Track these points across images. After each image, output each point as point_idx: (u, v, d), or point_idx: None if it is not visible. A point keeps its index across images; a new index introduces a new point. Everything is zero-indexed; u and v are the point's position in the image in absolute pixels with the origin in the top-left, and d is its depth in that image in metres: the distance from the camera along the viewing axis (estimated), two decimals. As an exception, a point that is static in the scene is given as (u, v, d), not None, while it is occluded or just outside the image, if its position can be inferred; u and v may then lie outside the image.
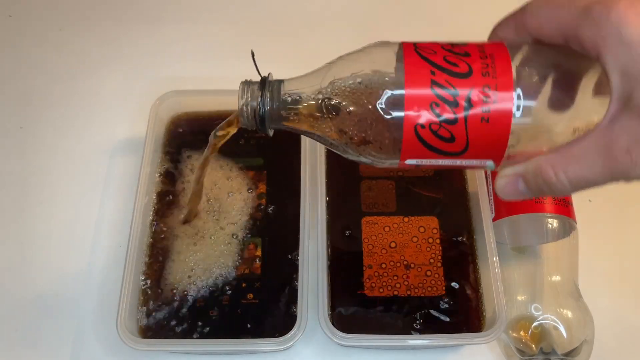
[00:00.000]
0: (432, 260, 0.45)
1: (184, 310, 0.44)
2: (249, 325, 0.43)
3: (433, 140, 0.30)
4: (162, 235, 0.47)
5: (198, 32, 0.63)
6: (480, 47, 0.30)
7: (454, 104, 0.29)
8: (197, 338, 0.42)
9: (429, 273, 0.45)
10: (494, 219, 0.46)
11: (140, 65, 0.60)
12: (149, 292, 0.45)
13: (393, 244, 0.46)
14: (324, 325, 0.40)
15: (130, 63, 0.61)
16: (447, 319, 0.43)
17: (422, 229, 0.47)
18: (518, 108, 0.29)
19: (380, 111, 0.30)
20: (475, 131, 0.29)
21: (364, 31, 0.63)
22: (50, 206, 0.52)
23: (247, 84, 0.35)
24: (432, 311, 0.43)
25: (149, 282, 0.45)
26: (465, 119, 0.29)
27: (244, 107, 0.34)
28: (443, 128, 0.29)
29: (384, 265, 0.45)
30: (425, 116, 0.29)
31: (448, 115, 0.29)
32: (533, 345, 0.41)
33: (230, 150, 0.51)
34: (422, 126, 0.29)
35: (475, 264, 0.45)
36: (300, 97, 0.34)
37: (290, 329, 0.40)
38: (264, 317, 0.43)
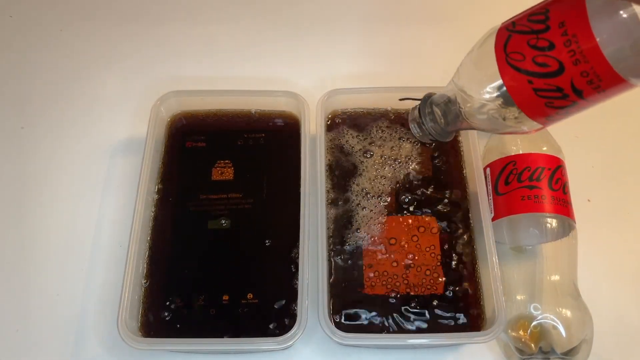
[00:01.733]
0: (431, 260, 0.45)
1: (185, 309, 0.44)
2: (249, 325, 0.43)
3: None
4: (163, 235, 0.47)
5: (198, 33, 0.63)
6: (561, 24, 0.30)
7: (563, 97, 0.30)
8: (197, 337, 0.42)
9: (428, 272, 0.45)
10: (493, 219, 0.46)
11: (140, 66, 0.61)
12: (150, 292, 0.45)
13: (393, 243, 0.46)
14: (324, 325, 0.40)
15: (130, 63, 0.61)
16: (447, 319, 0.43)
17: (422, 229, 0.47)
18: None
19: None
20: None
21: (364, 31, 0.63)
22: (50, 206, 0.52)
23: (410, 115, 0.45)
24: (431, 310, 0.44)
25: (149, 281, 0.45)
26: (583, 101, 0.31)
27: (417, 136, 0.45)
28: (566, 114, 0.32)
29: (384, 265, 0.45)
30: (546, 118, 0.32)
31: (566, 105, 0.31)
32: (532, 345, 0.42)
33: (231, 151, 0.51)
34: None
35: (474, 263, 0.46)
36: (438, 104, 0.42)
37: (290, 329, 0.40)
38: (264, 316, 0.43)
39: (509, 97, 0.33)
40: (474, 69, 0.36)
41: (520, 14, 0.33)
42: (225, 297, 0.44)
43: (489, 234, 0.44)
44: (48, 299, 0.47)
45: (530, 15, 0.32)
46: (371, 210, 0.48)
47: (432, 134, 0.43)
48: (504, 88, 0.33)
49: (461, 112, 0.38)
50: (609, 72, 0.28)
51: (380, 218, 0.47)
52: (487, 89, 0.34)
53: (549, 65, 0.30)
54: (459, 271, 0.45)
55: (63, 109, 0.58)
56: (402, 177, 0.49)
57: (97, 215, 0.51)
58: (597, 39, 0.28)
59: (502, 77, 0.32)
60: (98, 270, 0.49)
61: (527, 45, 0.31)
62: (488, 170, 0.48)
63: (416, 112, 0.43)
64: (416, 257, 0.46)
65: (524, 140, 0.47)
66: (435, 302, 0.44)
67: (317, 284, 0.42)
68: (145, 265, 0.45)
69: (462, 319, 0.43)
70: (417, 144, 0.51)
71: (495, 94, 0.34)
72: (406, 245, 0.46)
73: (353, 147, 0.51)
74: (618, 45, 0.28)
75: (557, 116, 0.33)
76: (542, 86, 0.30)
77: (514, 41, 0.32)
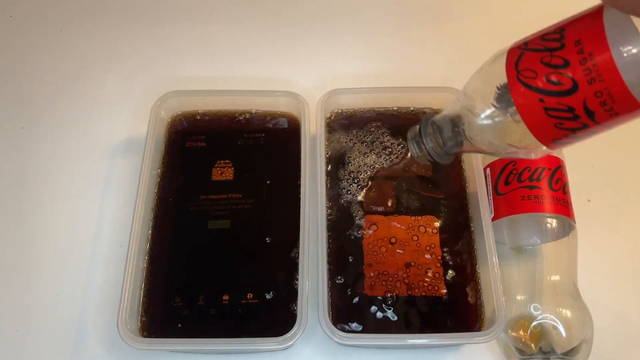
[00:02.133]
0: (431, 260, 0.45)
1: (185, 309, 0.44)
2: (249, 325, 0.43)
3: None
4: (163, 235, 0.47)
5: (198, 33, 0.63)
6: (577, 41, 0.29)
7: (574, 117, 0.30)
8: (197, 337, 0.42)
9: (428, 272, 0.45)
10: (493, 219, 0.46)
11: (140, 66, 0.61)
12: (150, 292, 0.45)
13: (393, 243, 0.46)
14: (324, 325, 0.40)
15: (130, 63, 0.61)
16: (447, 318, 0.43)
17: (422, 229, 0.47)
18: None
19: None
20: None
21: (364, 31, 0.63)
22: (50, 206, 0.52)
23: (410, 135, 0.42)
24: (431, 310, 0.44)
25: (149, 281, 0.45)
26: (593, 124, 0.30)
27: (417, 157, 0.42)
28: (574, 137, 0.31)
29: (384, 265, 0.45)
30: (553, 140, 0.32)
31: (576, 127, 0.30)
32: (532, 345, 0.42)
33: (231, 151, 0.51)
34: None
35: (474, 263, 0.46)
36: (440, 127, 0.40)
37: (290, 329, 0.40)
38: (264, 316, 0.43)
39: (518, 117, 0.32)
40: (482, 87, 0.35)
41: (533, 34, 0.32)
42: (225, 297, 0.44)
43: (489, 234, 0.44)
44: (48, 299, 0.47)
45: (544, 35, 0.31)
46: (371, 210, 0.48)
47: (431, 154, 0.41)
48: (514, 107, 0.32)
49: (464, 133, 0.37)
50: (624, 94, 0.28)
51: (381, 218, 0.47)
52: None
53: (562, 83, 0.29)
54: (459, 271, 0.45)
55: (63, 109, 0.58)
56: (402, 176, 0.49)
57: (97, 215, 0.51)
58: (614, 58, 0.27)
59: (512, 94, 0.31)
60: (98, 270, 0.49)
61: (540, 63, 0.30)
62: (488, 170, 0.48)
63: (416, 130, 0.42)
64: (416, 257, 0.45)
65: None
66: (435, 302, 0.44)
67: (317, 283, 0.42)
68: (145, 265, 0.46)
69: (462, 319, 0.43)
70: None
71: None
72: (406, 245, 0.46)
73: (353, 147, 0.51)
74: (636, 66, 0.27)
75: (565, 139, 0.32)
76: (553, 105, 0.30)
77: (526, 58, 0.31)
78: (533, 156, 0.35)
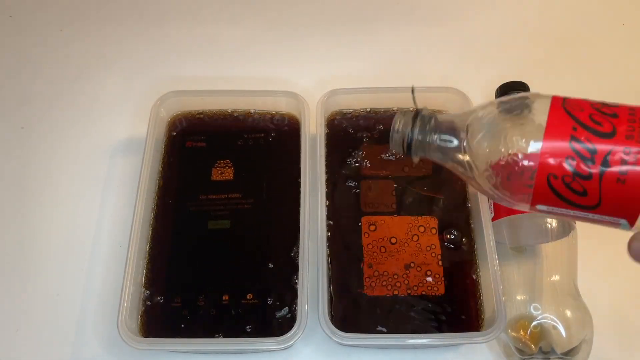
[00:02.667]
0: (431, 260, 0.45)
1: (185, 309, 0.44)
2: (249, 325, 0.43)
3: (565, 191, 0.30)
4: (163, 235, 0.47)
5: (198, 33, 0.63)
6: (632, 110, 0.30)
7: (590, 160, 0.29)
8: (197, 337, 0.42)
9: (428, 273, 0.45)
10: (493, 219, 0.46)
11: (140, 66, 0.61)
12: (150, 292, 0.45)
13: (393, 243, 0.46)
14: (324, 325, 0.40)
15: (130, 63, 0.61)
16: (447, 319, 0.43)
17: (422, 229, 0.47)
18: None
19: (518, 156, 0.31)
20: (609, 190, 0.29)
21: (364, 31, 0.64)
22: (50, 206, 0.52)
23: (402, 113, 0.38)
24: (431, 310, 0.44)
25: (149, 281, 0.45)
26: (600, 177, 0.29)
27: (394, 134, 0.37)
28: (576, 182, 0.30)
29: (384, 265, 0.45)
30: (559, 168, 0.30)
31: (583, 170, 0.29)
32: (532, 345, 0.42)
33: (231, 151, 0.51)
34: (555, 177, 0.30)
35: (474, 263, 0.46)
36: (446, 134, 0.36)
37: (290, 329, 0.40)
38: (264, 317, 0.43)
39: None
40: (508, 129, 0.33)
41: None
42: (225, 297, 0.44)
43: (489, 234, 0.44)
44: (48, 299, 0.47)
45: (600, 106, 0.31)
46: (371, 210, 0.48)
47: (410, 142, 0.37)
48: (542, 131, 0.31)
49: (463, 143, 0.35)
50: None
51: (381, 218, 0.47)
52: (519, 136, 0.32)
53: (602, 125, 0.29)
54: (459, 271, 0.45)
55: (63, 109, 0.58)
56: (402, 176, 0.49)
57: (97, 215, 0.51)
58: None
59: (550, 112, 0.31)
60: (98, 270, 0.49)
61: (589, 105, 0.31)
62: (488, 170, 0.48)
63: (410, 116, 0.38)
64: (416, 257, 0.46)
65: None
66: (435, 302, 0.44)
67: (317, 283, 0.42)
68: (145, 265, 0.46)
69: (462, 319, 0.43)
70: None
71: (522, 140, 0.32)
72: (406, 245, 0.46)
73: (353, 147, 0.51)
74: None
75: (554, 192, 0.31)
76: (582, 139, 0.30)
77: (575, 100, 0.31)
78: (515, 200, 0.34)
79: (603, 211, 0.30)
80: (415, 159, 0.38)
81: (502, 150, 0.32)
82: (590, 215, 0.31)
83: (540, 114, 0.31)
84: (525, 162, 0.31)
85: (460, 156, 0.35)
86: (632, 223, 0.31)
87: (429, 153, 0.37)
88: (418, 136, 0.36)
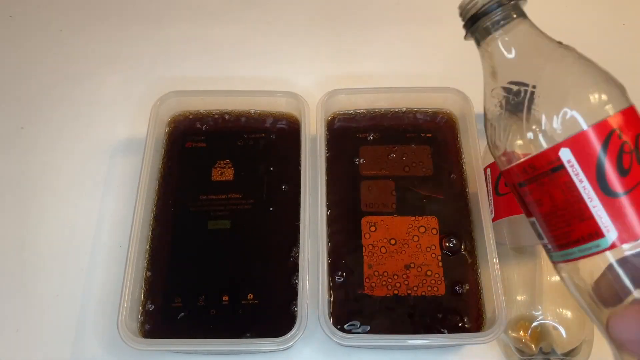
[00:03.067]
0: (432, 260, 0.45)
1: (185, 310, 0.44)
2: (249, 325, 0.43)
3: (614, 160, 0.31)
4: (163, 235, 0.47)
5: (198, 33, 0.63)
6: None
7: None
8: (197, 338, 0.42)
9: (429, 273, 0.45)
10: (493, 219, 0.46)
11: (140, 66, 0.61)
12: (150, 292, 0.45)
13: (393, 244, 0.46)
14: (324, 325, 0.40)
15: (130, 64, 0.61)
16: (447, 319, 0.43)
17: (422, 229, 0.47)
18: None
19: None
20: None
21: (364, 31, 0.63)
22: (50, 206, 0.52)
23: None
24: (431, 311, 0.44)
25: (149, 281, 0.45)
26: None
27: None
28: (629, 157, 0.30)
29: (384, 265, 0.45)
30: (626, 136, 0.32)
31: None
32: (532, 345, 0.42)
33: (231, 151, 0.51)
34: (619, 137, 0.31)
35: (475, 264, 0.46)
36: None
37: (290, 329, 0.40)
38: (264, 317, 0.43)
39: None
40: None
41: None
42: (225, 297, 0.44)
43: (489, 234, 0.44)
44: (48, 299, 0.47)
45: None
46: (371, 211, 0.48)
47: (481, 14, 0.34)
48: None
49: (525, 102, 0.32)
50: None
51: (381, 218, 0.47)
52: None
53: None
54: (459, 271, 0.45)
55: (63, 109, 0.58)
56: (402, 176, 0.49)
57: (97, 215, 0.51)
58: None
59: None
60: (98, 270, 0.49)
61: None
62: (488, 170, 0.48)
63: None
64: (416, 258, 0.45)
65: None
66: (435, 303, 0.44)
67: (317, 284, 0.42)
68: (145, 265, 0.45)
69: (462, 319, 0.43)
70: (417, 144, 0.51)
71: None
72: (406, 246, 0.46)
73: (353, 147, 0.51)
74: None
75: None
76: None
77: None
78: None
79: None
80: (469, 37, 0.35)
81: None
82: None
83: None
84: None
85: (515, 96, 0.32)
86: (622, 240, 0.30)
87: (487, 46, 0.34)
88: (498, 15, 0.33)
